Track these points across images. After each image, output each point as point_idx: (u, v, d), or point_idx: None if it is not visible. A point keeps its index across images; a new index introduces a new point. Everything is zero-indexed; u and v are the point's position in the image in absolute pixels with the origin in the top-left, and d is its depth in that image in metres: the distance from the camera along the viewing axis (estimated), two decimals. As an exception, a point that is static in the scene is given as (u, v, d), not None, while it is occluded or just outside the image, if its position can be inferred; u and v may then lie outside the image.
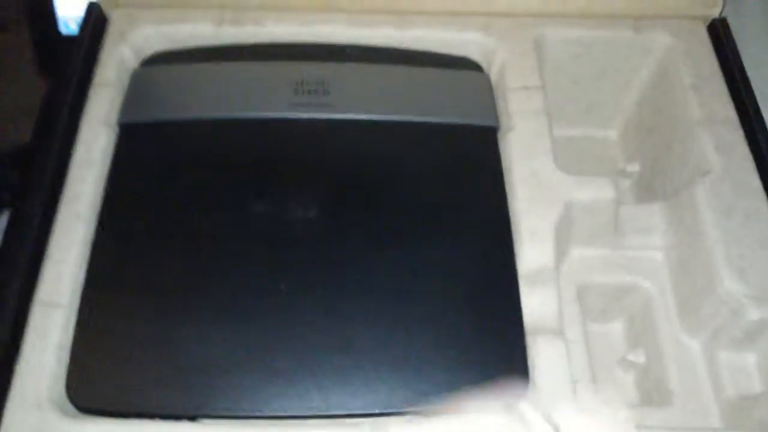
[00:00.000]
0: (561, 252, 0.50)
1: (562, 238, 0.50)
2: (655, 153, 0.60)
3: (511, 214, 0.49)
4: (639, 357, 0.51)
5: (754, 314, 0.45)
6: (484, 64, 0.58)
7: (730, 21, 0.59)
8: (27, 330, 0.43)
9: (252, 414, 0.41)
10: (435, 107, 0.54)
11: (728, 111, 0.54)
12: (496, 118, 0.54)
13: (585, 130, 0.67)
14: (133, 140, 0.51)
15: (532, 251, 0.48)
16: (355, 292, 0.45)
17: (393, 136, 0.52)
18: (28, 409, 0.41)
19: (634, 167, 0.63)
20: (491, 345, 0.44)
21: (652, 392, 0.50)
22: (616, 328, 0.56)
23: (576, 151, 0.65)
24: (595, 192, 0.50)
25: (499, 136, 0.53)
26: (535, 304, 0.46)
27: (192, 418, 0.41)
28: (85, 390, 0.42)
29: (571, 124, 0.66)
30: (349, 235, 0.48)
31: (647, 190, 0.61)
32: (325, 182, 0.50)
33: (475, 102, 0.55)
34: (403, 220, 0.49)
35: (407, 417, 0.42)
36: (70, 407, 0.42)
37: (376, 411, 0.41)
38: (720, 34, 0.58)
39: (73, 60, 0.54)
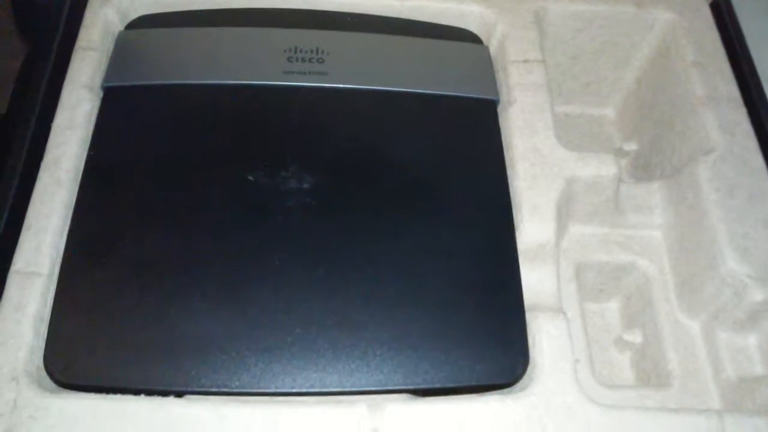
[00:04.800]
0: (561, 229, 0.49)
1: (562, 214, 0.49)
2: (654, 131, 0.58)
3: (511, 189, 0.48)
4: (635, 337, 0.51)
5: (757, 295, 0.44)
6: (483, 37, 0.56)
7: (733, -2, 0.58)
8: (2, 301, 0.41)
9: (243, 391, 0.39)
10: (433, 78, 0.52)
11: (731, 89, 0.53)
12: (496, 91, 0.52)
13: (582, 108, 0.65)
14: (118, 104, 0.48)
15: (532, 227, 0.47)
16: (351, 268, 0.43)
17: (389, 107, 0.50)
18: (3, 383, 0.38)
19: (631, 146, 0.61)
20: (490, 323, 0.43)
21: (650, 373, 0.49)
22: (612, 307, 0.55)
23: (572, 129, 0.64)
24: (597, 168, 0.49)
25: (500, 109, 0.52)
26: (535, 280, 0.45)
27: (179, 394, 0.39)
28: (64, 363, 0.40)
29: (568, 100, 0.64)
30: (343, 209, 0.46)
31: (644, 168, 0.60)
32: (319, 152, 0.48)
33: (475, 74, 0.53)
34: (401, 195, 0.47)
35: (404, 396, 0.41)
36: (48, 381, 0.40)
37: (373, 389, 0.40)
38: (722, 12, 0.57)
39: (54, 22, 0.51)
